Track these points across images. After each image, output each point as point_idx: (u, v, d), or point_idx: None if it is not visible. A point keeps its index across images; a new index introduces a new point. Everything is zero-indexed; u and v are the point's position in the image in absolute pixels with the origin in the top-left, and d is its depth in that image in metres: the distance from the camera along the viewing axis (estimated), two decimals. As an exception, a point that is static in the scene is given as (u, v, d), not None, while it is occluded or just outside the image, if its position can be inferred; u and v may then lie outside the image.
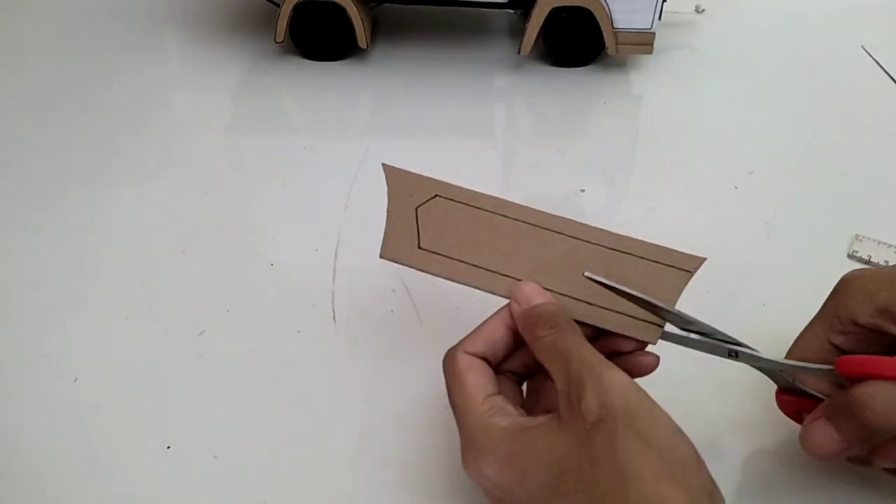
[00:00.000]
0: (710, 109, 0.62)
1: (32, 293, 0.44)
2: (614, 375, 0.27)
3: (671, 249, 0.32)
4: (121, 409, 0.38)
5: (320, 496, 0.35)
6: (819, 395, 0.33)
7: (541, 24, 0.62)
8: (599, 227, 0.32)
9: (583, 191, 0.52)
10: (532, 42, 0.63)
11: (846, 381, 0.31)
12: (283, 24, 0.62)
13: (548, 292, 0.31)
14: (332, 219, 0.49)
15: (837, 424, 0.30)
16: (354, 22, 0.62)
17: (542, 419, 0.28)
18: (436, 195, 0.32)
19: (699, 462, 0.26)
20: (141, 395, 0.38)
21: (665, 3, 0.61)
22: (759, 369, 0.33)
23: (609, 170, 0.55)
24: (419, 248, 0.32)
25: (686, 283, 0.32)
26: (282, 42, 0.63)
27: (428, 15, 0.72)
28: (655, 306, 0.31)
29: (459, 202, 0.32)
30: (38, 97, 0.60)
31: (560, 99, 0.62)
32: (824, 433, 0.31)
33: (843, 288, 0.34)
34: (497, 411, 0.29)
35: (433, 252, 0.32)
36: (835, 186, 0.53)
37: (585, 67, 0.66)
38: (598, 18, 0.61)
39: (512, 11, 0.70)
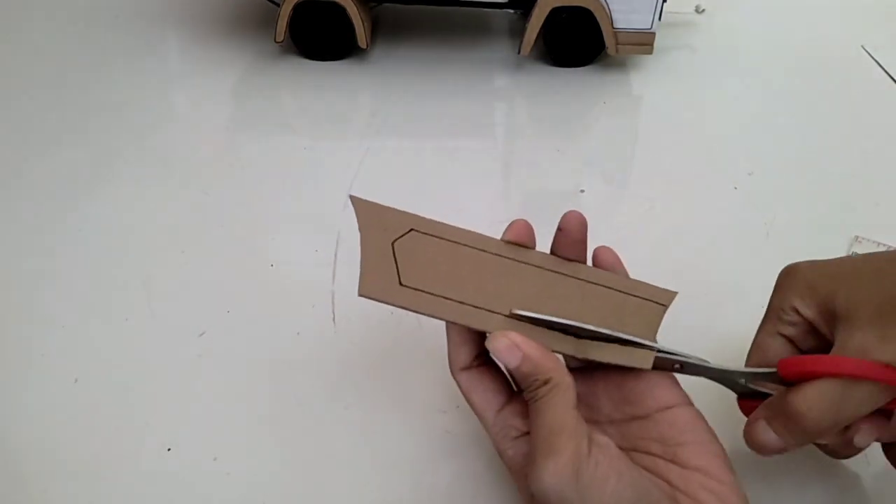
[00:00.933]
0: (710, 109, 0.62)
1: (32, 293, 0.44)
2: (555, 465, 0.26)
3: (646, 283, 0.32)
4: (121, 410, 0.38)
5: (320, 497, 0.35)
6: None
7: (541, 24, 0.62)
8: (576, 261, 0.32)
9: (582, 191, 0.52)
10: (532, 42, 0.63)
11: (791, 382, 0.30)
12: (283, 24, 0.62)
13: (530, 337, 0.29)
14: (331, 219, 0.49)
15: (777, 428, 0.30)
16: (354, 22, 0.62)
17: (527, 462, 0.29)
18: (411, 229, 0.30)
19: None
20: (141, 395, 0.38)
21: (665, 3, 0.61)
22: (710, 379, 0.32)
23: (609, 170, 0.55)
24: (401, 284, 0.30)
25: (662, 317, 0.31)
26: (282, 42, 0.63)
27: (428, 15, 0.72)
28: (587, 330, 0.30)
29: (436, 237, 0.31)
30: (38, 97, 0.60)
31: (560, 99, 0.62)
32: (765, 436, 0.30)
33: (784, 281, 0.33)
34: (504, 435, 0.30)
35: (416, 289, 0.30)
36: (835, 186, 0.53)
37: (585, 67, 0.66)
38: (598, 18, 0.61)
39: (512, 11, 0.70)
